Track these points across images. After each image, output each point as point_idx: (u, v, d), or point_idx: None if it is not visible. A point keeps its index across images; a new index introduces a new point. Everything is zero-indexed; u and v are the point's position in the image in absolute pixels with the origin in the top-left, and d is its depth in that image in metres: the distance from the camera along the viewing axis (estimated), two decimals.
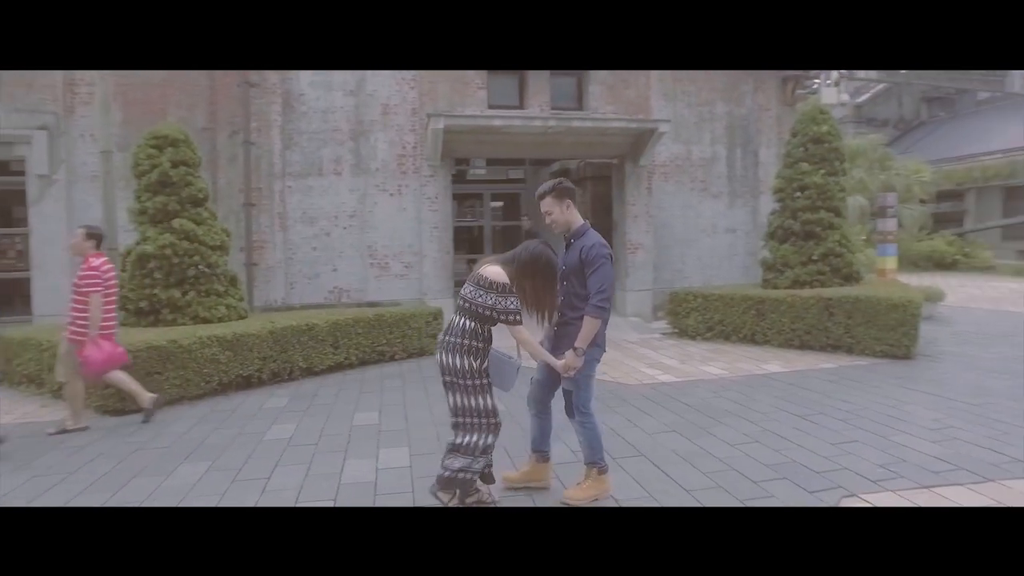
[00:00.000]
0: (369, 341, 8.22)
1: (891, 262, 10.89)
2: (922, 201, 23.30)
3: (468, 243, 17.53)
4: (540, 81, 10.92)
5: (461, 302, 3.31)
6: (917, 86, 31.95)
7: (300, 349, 7.43)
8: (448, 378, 3.27)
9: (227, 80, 9.88)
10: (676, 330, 9.87)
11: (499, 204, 17.76)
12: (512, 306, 3.21)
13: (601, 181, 12.16)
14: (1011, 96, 26.68)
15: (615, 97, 11.17)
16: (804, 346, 8.25)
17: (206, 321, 7.21)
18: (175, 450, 4.76)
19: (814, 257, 9.10)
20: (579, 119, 10.09)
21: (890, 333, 7.66)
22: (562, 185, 3.46)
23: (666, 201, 11.56)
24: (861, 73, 11.96)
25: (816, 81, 11.02)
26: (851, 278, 9.19)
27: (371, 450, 4.67)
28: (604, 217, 12.01)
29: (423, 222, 10.64)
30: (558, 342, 3.45)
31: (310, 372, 7.54)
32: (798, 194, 9.32)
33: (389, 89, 10.52)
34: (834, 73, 10.78)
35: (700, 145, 11.72)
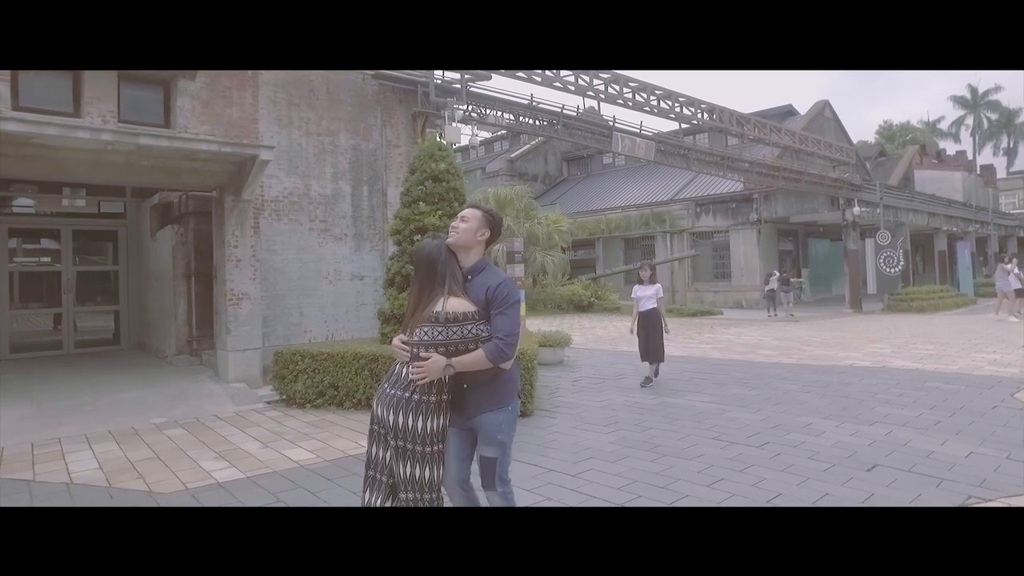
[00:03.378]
0: None
1: (521, 307, 10.77)
2: (563, 249, 25.77)
3: (39, 292, 13.46)
4: (103, 84, 8.40)
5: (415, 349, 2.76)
6: (559, 145, 36.29)
7: None
8: (401, 443, 2.72)
9: None
10: (284, 397, 8.13)
11: (87, 244, 14.13)
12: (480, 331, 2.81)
13: (206, 217, 9.96)
14: (631, 160, 31.61)
15: (213, 116, 9.17)
16: None
17: None
18: None
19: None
20: (150, 136, 7.81)
21: None
22: (495, 215, 3.07)
23: (279, 243, 9.84)
24: (492, 119, 11.89)
25: (443, 119, 10.45)
26: None
27: None
28: (207, 261, 9.80)
29: None
30: (460, 399, 2.90)
31: None
32: (417, 236, 8.42)
33: None
34: (458, 114, 10.34)
35: (321, 180, 10.33)
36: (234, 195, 9.02)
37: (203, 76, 9.09)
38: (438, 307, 2.72)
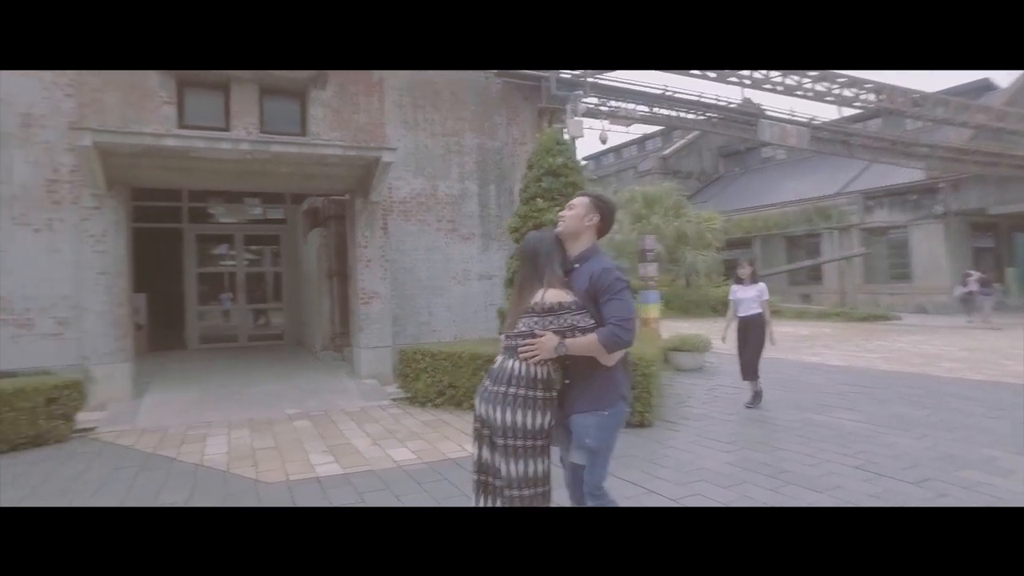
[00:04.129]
0: None
1: (653, 310, 10.12)
2: (718, 249, 24.29)
3: (219, 291, 15.05)
4: (246, 99, 9.09)
5: (509, 342, 2.74)
6: (715, 140, 34.37)
7: None
8: (503, 440, 2.64)
9: None
10: (408, 395, 8.26)
11: (255, 247, 15.57)
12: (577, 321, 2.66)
13: (344, 220, 10.47)
14: (792, 153, 29.05)
15: (342, 122, 9.58)
16: None
17: None
18: None
19: None
20: (281, 144, 8.30)
21: None
22: (604, 199, 2.91)
23: (408, 243, 10.04)
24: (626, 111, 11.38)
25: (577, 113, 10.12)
26: None
27: None
28: (346, 262, 10.29)
29: (85, 267, 8.21)
30: (562, 394, 2.77)
31: None
32: None
33: (33, 94, 8.13)
34: (581, 107, 9.93)
35: (448, 180, 10.41)
36: (363, 197, 9.34)
37: (333, 85, 9.53)
38: (536, 298, 2.66)
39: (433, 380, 7.95)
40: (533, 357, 2.62)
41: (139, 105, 8.53)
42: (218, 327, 14.79)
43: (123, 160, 8.03)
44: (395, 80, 9.99)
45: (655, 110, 12.31)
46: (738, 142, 28.76)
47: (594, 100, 11.39)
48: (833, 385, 8.56)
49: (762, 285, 7.44)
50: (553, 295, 2.64)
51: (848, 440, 5.69)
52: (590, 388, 2.68)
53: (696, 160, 36.13)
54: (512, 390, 2.64)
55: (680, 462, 5.15)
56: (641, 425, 6.42)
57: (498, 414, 2.63)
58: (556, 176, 8.26)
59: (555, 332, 2.61)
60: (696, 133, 32.03)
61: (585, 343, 2.58)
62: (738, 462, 5.09)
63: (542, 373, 2.66)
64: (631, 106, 11.77)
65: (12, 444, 6.32)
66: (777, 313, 21.71)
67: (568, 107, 10.33)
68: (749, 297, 7.38)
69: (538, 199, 8.21)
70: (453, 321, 10.32)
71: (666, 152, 36.23)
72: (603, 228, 2.87)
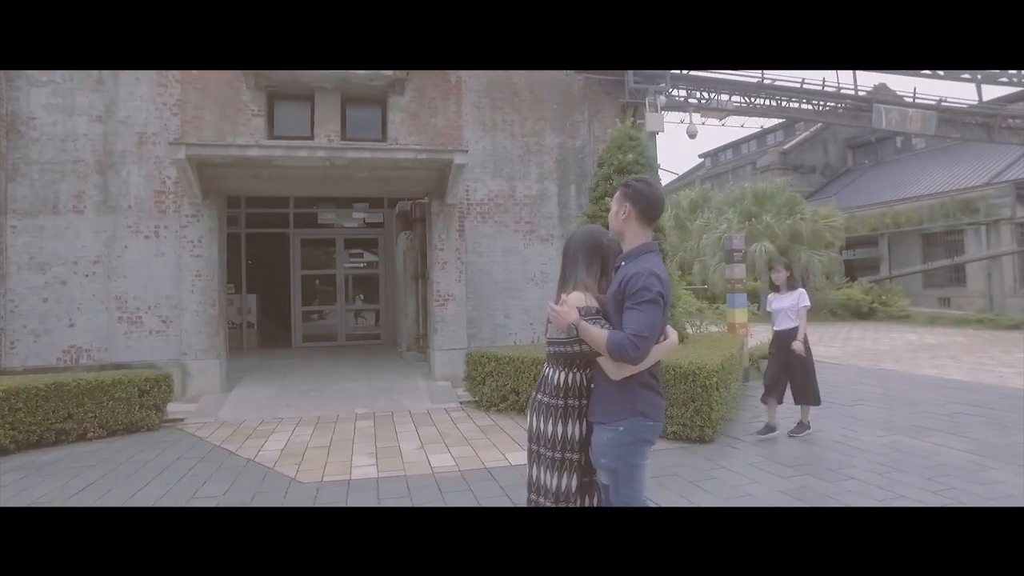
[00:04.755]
0: (38, 418, 6.46)
1: (741, 314, 9.43)
2: (840, 249, 22.40)
3: (319, 293, 15.89)
4: (329, 109, 9.46)
5: (548, 348, 2.57)
6: (842, 132, 31.74)
7: None
8: (532, 446, 2.56)
9: None
10: (475, 399, 8.24)
11: (355, 250, 16.26)
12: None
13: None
14: (935, 141, 26.16)
15: (420, 127, 9.73)
16: None
17: None
18: None
19: None
20: (355, 149, 8.56)
21: (680, 410, 6.08)
22: (630, 184, 2.57)
23: (484, 245, 10.02)
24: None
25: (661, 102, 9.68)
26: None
27: None
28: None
29: (183, 269, 8.93)
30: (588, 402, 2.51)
31: None
32: None
33: (147, 115, 8.95)
34: (661, 100, 9.43)
35: (526, 181, 10.27)
36: (439, 200, 9.44)
37: (411, 90, 9.70)
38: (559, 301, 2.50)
39: (497, 385, 7.87)
40: (554, 321, 2.43)
41: (233, 119, 9.13)
42: (320, 326, 15.63)
43: (216, 171, 8.64)
44: (474, 82, 10.02)
45: (753, 100, 11.47)
46: (867, 132, 26.33)
47: (683, 92, 10.79)
48: (943, 403, 7.52)
49: (800, 291, 6.27)
50: (575, 299, 2.43)
51: (939, 473, 4.90)
52: (604, 396, 2.43)
53: (820, 153, 33.51)
54: (541, 396, 2.53)
55: (726, 486, 4.69)
56: (700, 441, 5.97)
57: (533, 422, 2.56)
58: (626, 174, 7.90)
59: (582, 313, 2.39)
60: (820, 125, 29.72)
61: (596, 335, 2.32)
62: (792, 490, 4.54)
63: (572, 379, 2.47)
64: (724, 97, 11.03)
65: (111, 430, 7.00)
66: (906, 319, 19.69)
67: (647, 100, 9.85)
68: (785, 307, 6.24)
69: (606, 198, 7.89)
70: (530, 324, 10.18)
71: (787, 146, 33.92)
72: (646, 215, 2.50)
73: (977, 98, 13.26)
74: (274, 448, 6.21)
